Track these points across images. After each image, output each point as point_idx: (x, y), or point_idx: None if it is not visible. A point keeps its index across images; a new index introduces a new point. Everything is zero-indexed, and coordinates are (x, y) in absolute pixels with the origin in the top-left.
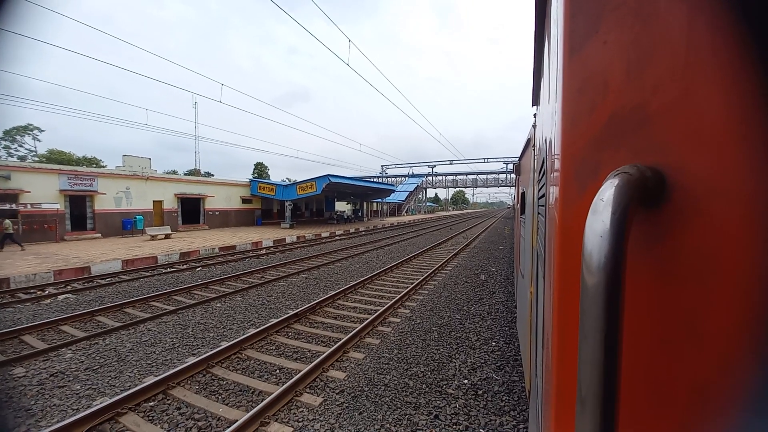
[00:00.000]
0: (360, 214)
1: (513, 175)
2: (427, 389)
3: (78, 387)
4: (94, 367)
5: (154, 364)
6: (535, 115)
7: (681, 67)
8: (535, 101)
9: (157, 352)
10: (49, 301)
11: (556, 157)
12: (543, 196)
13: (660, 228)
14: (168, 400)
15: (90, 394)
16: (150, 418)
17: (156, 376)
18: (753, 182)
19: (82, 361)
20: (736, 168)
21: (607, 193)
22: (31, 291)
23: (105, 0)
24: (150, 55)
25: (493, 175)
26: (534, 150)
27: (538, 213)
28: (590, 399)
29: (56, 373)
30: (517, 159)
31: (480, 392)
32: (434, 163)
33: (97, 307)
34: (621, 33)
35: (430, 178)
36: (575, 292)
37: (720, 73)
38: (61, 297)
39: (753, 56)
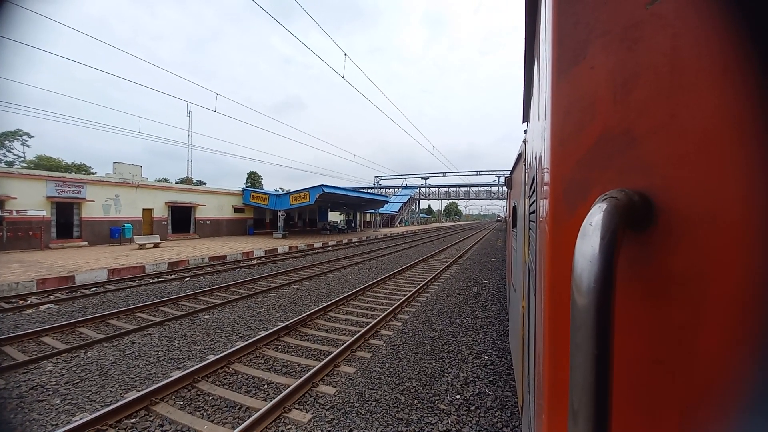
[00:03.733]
0: (353, 224)
1: (505, 188)
2: (419, 405)
3: (58, 401)
4: (75, 381)
5: (138, 378)
6: (525, 131)
7: (666, 91)
8: (526, 118)
9: (140, 366)
10: (30, 311)
11: (545, 175)
12: (533, 211)
13: (648, 250)
14: (151, 416)
15: (70, 409)
16: None
17: (139, 391)
18: (738, 204)
19: (63, 375)
20: (721, 190)
21: (595, 218)
22: (13, 300)
23: (99, 7)
24: (144, 63)
25: (486, 188)
26: (525, 165)
27: (529, 228)
28: (583, 413)
29: (36, 386)
30: (509, 173)
31: (472, 408)
32: (428, 175)
33: (79, 318)
34: (607, 58)
35: (423, 189)
36: (566, 310)
37: (704, 96)
38: (43, 307)
39: (737, 79)
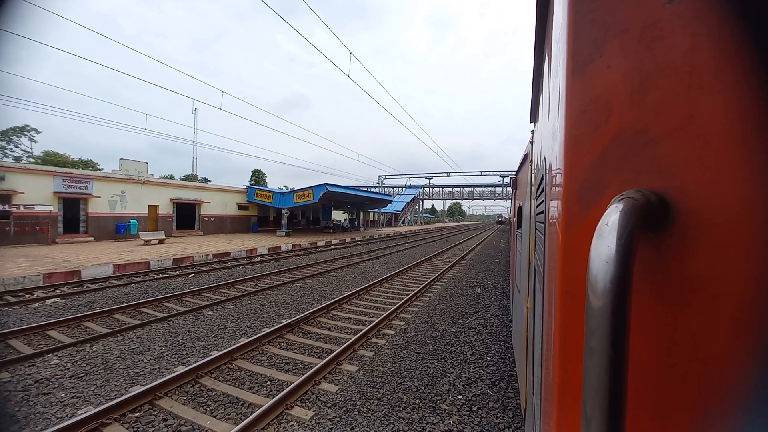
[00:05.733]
0: (356, 223)
1: (509, 189)
2: (420, 404)
3: (63, 395)
4: (80, 375)
5: (142, 372)
6: (532, 131)
7: (684, 91)
8: (533, 118)
9: (145, 361)
10: (37, 305)
11: (557, 175)
12: (541, 212)
13: (664, 252)
14: (154, 410)
15: (75, 402)
16: (135, 429)
17: (143, 385)
18: (756, 206)
19: (68, 368)
20: (739, 192)
21: (612, 218)
22: (20, 294)
23: (107, 5)
24: (151, 61)
25: (490, 188)
26: (531, 166)
27: (536, 228)
28: (596, 418)
29: (41, 379)
30: (514, 173)
31: (474, 408)
32: (432, 175)
33: (85, 313)
34: (624, 57)
35: (427, 189)
36: (579, 313)
37: (723, 97)
38: (49, 301)
39: (756, 80)
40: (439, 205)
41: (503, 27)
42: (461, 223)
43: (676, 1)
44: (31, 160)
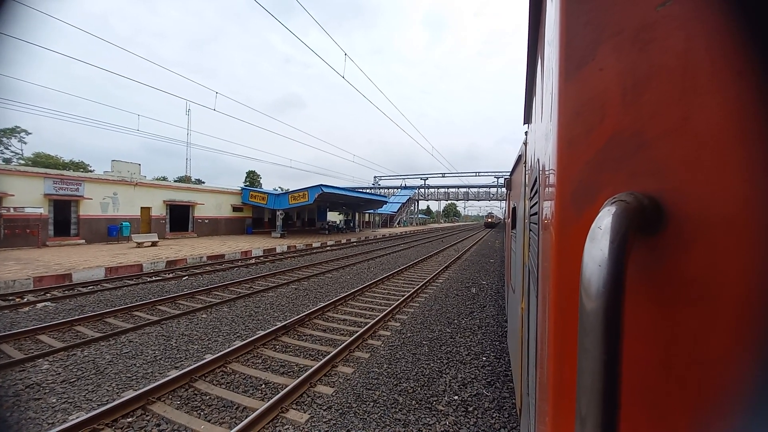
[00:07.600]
0: (352, 224)
1: (503, 190)
2: (416, 405)
3: (54, 400)
4: (71, 380)
5: (135, 377)
6: (526, 132)
7: (679, 93)
8: (527, 119)
9: (137, 365)
10: (27, 309)
11: (550, 176)
12: (535, 213)
13: (658, 254)
14: (147, 415)
15: (66, 408)
16: None
17: (135, 390)
18: (752, 208)
19: (59, 373)
20: (735, 194)
21: (604, 221)
22: (10, 298)
23: (101, 5)
24: (145, 62)
25: (484, 189)
26: (525, 166)
27: (530, 229)
28: (591, 418)
29: (32, 384)
30: (509, 174)
31: (470, 409)
32: (427, 176)
33: (76, 317)
34: (618, 60)
35: (422, 190)
36: (573, 314)
37: (718, 99)
38: (40, 305)
39: (752, 81)
40: (435, 206)
41: (503, 27)
42: (456, 224)
43: (669, 3)
44: (21, 161)
